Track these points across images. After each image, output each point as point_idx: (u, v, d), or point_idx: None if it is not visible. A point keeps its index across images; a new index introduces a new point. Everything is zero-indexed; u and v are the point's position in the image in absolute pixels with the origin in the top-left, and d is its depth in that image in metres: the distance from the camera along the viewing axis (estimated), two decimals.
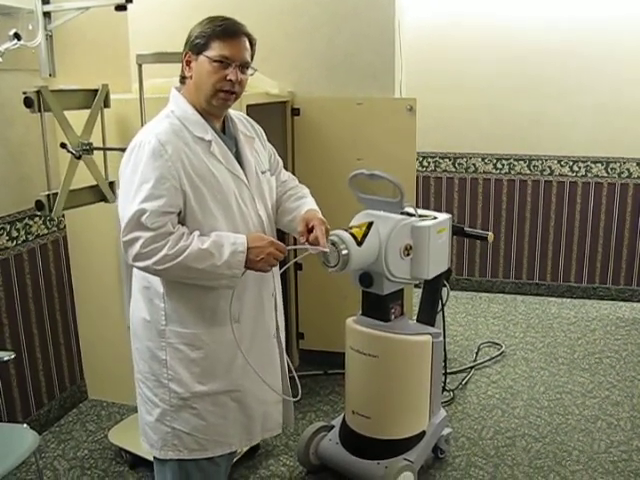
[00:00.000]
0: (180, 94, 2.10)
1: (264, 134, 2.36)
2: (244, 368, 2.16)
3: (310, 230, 2.14)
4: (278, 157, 2.41)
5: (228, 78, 2.01)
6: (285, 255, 2.09)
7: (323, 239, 2.12)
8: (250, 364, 2.13)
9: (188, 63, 2.05)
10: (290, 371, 2.34)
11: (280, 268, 2.23)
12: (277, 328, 2.31)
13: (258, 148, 2.27)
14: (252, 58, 2.09)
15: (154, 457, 2.25)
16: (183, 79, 2.10)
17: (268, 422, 2.31)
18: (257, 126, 2.34)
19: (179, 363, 2.10)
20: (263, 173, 2.23)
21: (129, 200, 1.95)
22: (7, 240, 3.18)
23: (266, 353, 2.26)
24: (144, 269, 1.99)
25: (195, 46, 2.02)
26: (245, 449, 3.11)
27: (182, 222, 2.01)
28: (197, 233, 1.99)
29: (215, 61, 2.00)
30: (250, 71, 2.08)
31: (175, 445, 2.16)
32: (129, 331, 2.27)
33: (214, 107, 2.07)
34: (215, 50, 2.00)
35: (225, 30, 2.01)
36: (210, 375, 2.13)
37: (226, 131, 2.17)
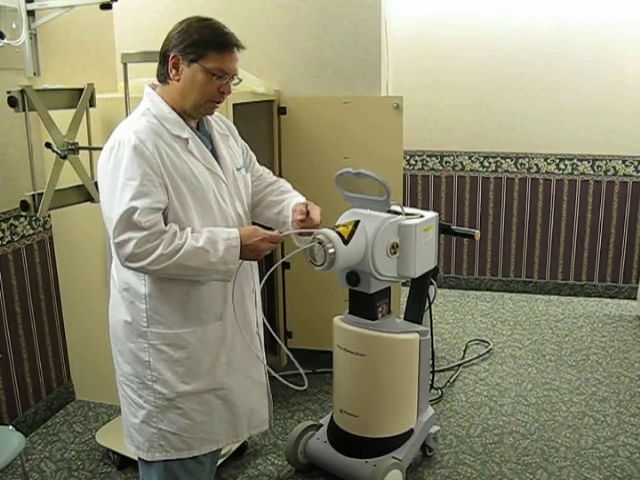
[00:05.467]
0: (156, 92, 2.08)
1: (236, 130, 2.36)
2: (228, 366, 2.18)
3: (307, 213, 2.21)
4: (251, 152, 2.41)
5: (221, 90, 2.02)
6: (281, 241, 2.11)
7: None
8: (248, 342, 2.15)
9: (175, 66, 2.01)
10: (293, 364, 2.31)
11: (268, 267, 2.24)
12: (257, 324, 2.31)
13: (232, 145, 2.28)
14: None
15: (139, 459, 2.23)
16: (165, 79, 2.06)
17: (254, 419, 2.32)
18: (229, 122, 2.34)
19: (163, 364, 2.09)
20: (238, 170, 2.24)
21: (115, 199, 1.92)
22: None
23: (251, 350, 2.26)
24: (138, 269, 1.96)
25: (188, 53, 1.98)
26: (234, 448, 3.11)
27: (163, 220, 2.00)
28: (189, 230, 1.98)
29: (211, 73, 1.99)
30: (235, 80, 2.08)
31: (162, 446, 2.15)
32: None
33: (199, 113, 2.09)
34: (212, 62, 1.98)
35: (224, 43, 1.99)
36: (194, 374, 2.12)
37: (200, 128, 2.16)
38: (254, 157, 2.42)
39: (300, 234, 2.31)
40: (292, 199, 2.31)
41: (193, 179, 2.03)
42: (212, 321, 2.12)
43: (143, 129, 1.97)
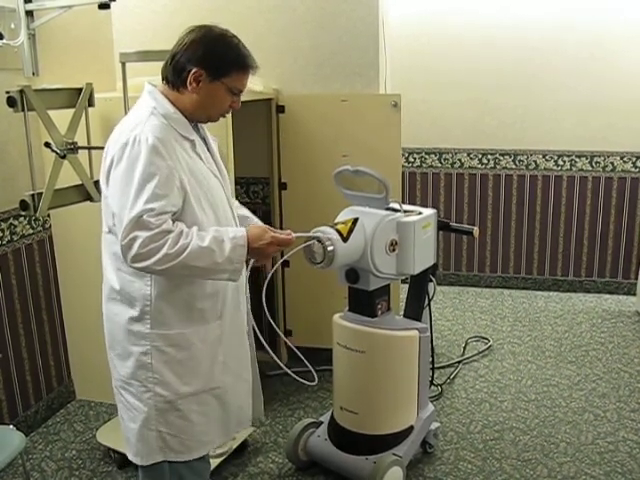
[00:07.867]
0: (158, 91, 2.06)
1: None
2: (224, 364, 2.18)
3: None
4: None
5: (232, 106, 2.09)
6: (292, 244, 2.13)
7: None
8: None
9: (196, 80, 1.99)
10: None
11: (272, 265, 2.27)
12: (248, 325, 2.34)
13: (220, 155, 2.30)
14: None
15: (140, 466, 2.22)
16: (178, 88, 2.03)
17: (242, 416, 2.33)
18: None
19: (165, 366, 2.07)
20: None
21: (129, 200, 1.88)
22: None
23: (242, 349, 2.28)
24: (144, 269, 1.91)
25: (213, 71, 1.99)
26: (234, 446, 3.11)
27: (179, 219, 1.96)
28: (195, 229, 1.94)
29: (231, 91, 2.03)
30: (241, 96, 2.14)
31: (160, 448, 2.14)
32: None
33: (206, 122, 2.15)
34: (234, 81, 2.03)
35: (247, 65, 2.04)
36: (194, 374, 2.12)
37: (198, 131, 2.18)
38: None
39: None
40: (252, 218, 2.39)
41: (204, 181, 2.04)
42: (213, 320, 2.12)
43: (158, 128, 1.95)
